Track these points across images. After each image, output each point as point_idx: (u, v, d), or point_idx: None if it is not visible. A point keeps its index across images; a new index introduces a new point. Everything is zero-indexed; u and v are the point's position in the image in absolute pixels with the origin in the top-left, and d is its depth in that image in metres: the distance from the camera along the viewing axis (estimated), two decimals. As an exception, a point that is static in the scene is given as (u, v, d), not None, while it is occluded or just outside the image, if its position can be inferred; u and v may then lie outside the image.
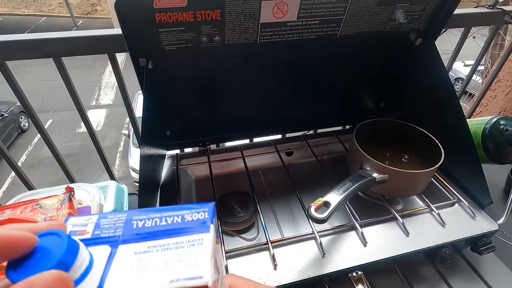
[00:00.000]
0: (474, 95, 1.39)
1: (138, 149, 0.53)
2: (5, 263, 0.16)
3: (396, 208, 0.65)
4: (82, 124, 0.81)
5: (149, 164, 0.60)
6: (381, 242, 0.56)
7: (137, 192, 0.79)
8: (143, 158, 0.52)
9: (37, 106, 5.50)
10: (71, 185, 0.62)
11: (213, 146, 0.81)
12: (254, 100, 0.74)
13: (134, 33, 0.51)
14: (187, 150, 0.82)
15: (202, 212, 0.21)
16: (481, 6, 0.92)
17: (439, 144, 0.63)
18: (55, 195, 0.58)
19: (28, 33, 0.63)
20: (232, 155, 0.79)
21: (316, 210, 0.48)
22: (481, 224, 0.59)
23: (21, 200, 0.60)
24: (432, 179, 0.69)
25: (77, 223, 0.21)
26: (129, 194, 0.79)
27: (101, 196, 0.65)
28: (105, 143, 4.84)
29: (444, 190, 0.68)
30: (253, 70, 0.66)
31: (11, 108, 4.66)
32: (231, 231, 0.65)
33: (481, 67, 2.51)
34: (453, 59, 0.99)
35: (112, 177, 0.92)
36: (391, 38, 0.67)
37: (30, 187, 0.83)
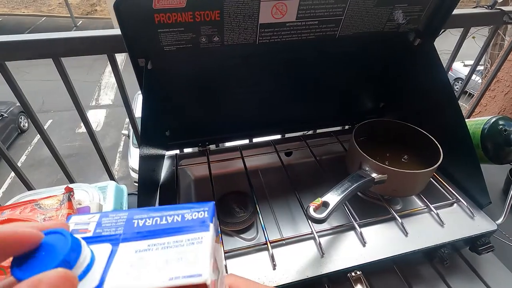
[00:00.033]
0: (474, 95, 1.39)
1: (138, 150, 0.53)
2: (5, 263, 0.16)
3: (395, 208, 0.65)
4: (82, 124, 0.81)
5: (149, 164, 0.60)
6: (380, 242, 0.56)
7: (136, 193, 0.79)
8: (143, 158, 0.53)
9: (37, 106, 5.50)
10: (70, 186, 0.63)
11: (212, 146, 0.81)
12: (254, 101, 0.74)
13: (133, 34, 0.52)
14: (187, 150, 0.82)
15: (202, 212, 0.21)
16: (480, 7, 0.92)
17: (438, 145, 0.63)
18: (54, 196, 0.58)
19: (27, 33, 0.63)
20: (231, 155, 0.79)
21: (315, 210, 0.48)
22: (480, 224, 0.59)
23: (21, 200, 0.60)
24: (431, 179, 0.69)
25: (79, 222, 0.21)
26: (128, 194, 0.79)
27: (100, 197, 0.66)
28: (105, 143, 4.84)
29: (443, 190, 0.68)
30: (252, 70, 0.67)
31: (11, 109, 4.66)
32: (230, 231, 0.65)
33: (481, 67, 2.52)
34: (452, 59, 0.99)
35: (111, 177, 0.92)
36: (390, 39, 0.68)
37: (29, 187, 0.83)
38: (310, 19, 0.58)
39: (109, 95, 6.07)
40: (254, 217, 0.66)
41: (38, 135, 0.78)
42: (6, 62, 0.64)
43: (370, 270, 0.54)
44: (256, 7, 0.53)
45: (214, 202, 0.23)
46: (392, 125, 0.72)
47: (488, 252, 0.58)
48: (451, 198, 0.65)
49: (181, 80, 0.65)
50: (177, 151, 0.80)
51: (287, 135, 0.90)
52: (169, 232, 0.20)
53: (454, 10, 0.65)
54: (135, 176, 3.62)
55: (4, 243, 0.16)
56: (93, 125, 5.02)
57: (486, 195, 0.61)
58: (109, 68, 0.76)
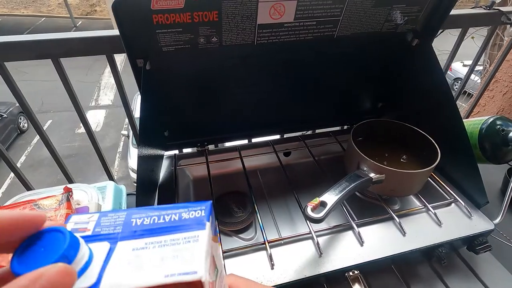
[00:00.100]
0: (473, 95, 1.39)
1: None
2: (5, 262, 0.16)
3: (393, 208, 0.65)
4: (82, 125, 0.81)
5: (147, 165, 0.60)
6: (378, 241, 0.56)
7: (135, 193, 0.79)
8: (141, 159, 0.53)
9: (37, 107, 5.50)
10: (69, 186, 0.63)
11: (211, 147, 0.81)
12: (252, 101, 0.75)
13: (131, 34, 0.52)
14: (185, 150, 0.82)
15: (199, 210, 0.21)
16: (478, 7, 0.92)
17: (436, 145, 0.64)
18: (53, 196, 0.58)
19: (27, 33, 0.64)
20: (230, 156, 0.79)
21: (312, 210, 0.48)
22: (478, 224, 0.60)
23: (20, 201, 0.61)
24: (429, 179, 0.69)
25: (79, 221, 0.21)
26: (127, 194, 0.79)
27: (99, 197, 0.66)
28: (105, 143, 4.84)
29: (440, 190, 0.68)
30: (251, 70, 0.67)
31: (10, 109, 4.66)
32: (228, 231, 0.65)
33: (480, 67, 2.52)
34: (451, 59, 1.00)
35: (110, 177, 0.92)
36: (388, 39, 0.68)
37: (28, 188, 0.83)
38: (308, 20, 0.58)
39: (108, 95, 6.07)
40: (253, 217, 0.67)
41: (38, 135, 0.78)
42: (5, 63, 0.64)
43: (368, 269, 0.54)
44: (254, 8, 0.53)
45: (212, 201, 0.23)
46: (390, 125, 0.73)
47: (486, 251, 0.58)
48: (448, 198, 0.65)
49: (179, 81, 0.65)
50: (176, 151, 0.80)
51: (285, 135, 0.90)
52: (166, 230, 0.20)
53: (452, 10, 0.65)
54: (134, 176, 3.62)
55: (14, 225, 0.17)
56: (93, 126, 5.02)
57: (484, 195, 0.61)
58: (108, 69, 0.77)
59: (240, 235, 0.65)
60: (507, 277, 0.58)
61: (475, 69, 1.05)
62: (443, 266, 0.58)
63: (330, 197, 0.51)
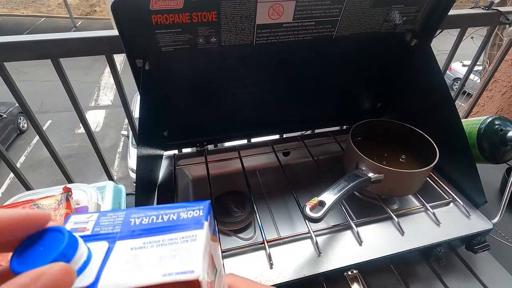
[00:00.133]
0: (472, 95, 1.39)
1: (136, 150, 0.53)
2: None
3: (391, 208, 0.66)
4: (81, 125, 0.81)
5: (146, 164, 0.60)
6: (376, 241, 0.57)
7: (134, 193, 0.79)
8: (140, 159, 0.53)
9: (36, 107, 5.50)
10: (69, 185, 0.63)
11: (210, 147, 0.81)
12: (251, 101, 0.75)
13: (130, 34, 0.52)
14: (185, 150, 0.82)
15: (197, 210, 0.21)
16: (477, 7, 0.92)
17: (434, 144, 0.64)
18: (52, 196, 0.58)
19: (27, 34, 0.64)
20: (229, 156, 0.79)
21: (311, 209, 0.49)
22: (476, 223, 0.60)
23: (19, 200, 0.61)
24: (427, 178, 0.69)
25: (78, 221, 0.21)
26: (127, 194, 0.79)
27: (98, 196, 0.66)
28: (104, 143, 4.84)
29: (439, 190, 0.68)
30: (250, 71, 0.67)
31: (10, 109, 4.66)
32: (228, 231, 0.65)
33: (480, 67, 2.52)
34: (450, 59, 1.00)
35: (110, 177, 0.92)
36: (386, 39, 0.68)
37: (28, 188, 0.84)
38: (306, 20, 0.58)
39: (108, 95, 6.07)
40: (252, 216, 0.67)
41: (37, 136, 0.79)
42: (5, 63, 0.65)
43: (367, 269, 0.54)
44: (253, 8, 0.53)
45: (210, 200, 0.23)
46: (389, 125, 0.73)
47: (484, 251, 0.58)
48: (447, 198, 0.65)
49: (179, 81, 0.65)
50: (175, 151, 0.80)
51: (285, 135, 0.90)
52: (164, 230, 0.20)
53: (451, 10, 0.65)
54: (134, 176, 3.60)
55: (19, 224, 0.17)
56: (93, 126, 5.02)
57: (482, 195, 0.62)
58: (108, 69, 0.77)
59: (239, 235, 0.65)
60: (505, 276, 0.58)
61: (475, 69, 1.05)
62: (442, 266, 0.58)
63: (329, 197, 0.51)
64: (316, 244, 0.55)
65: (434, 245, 0.56)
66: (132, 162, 3.65)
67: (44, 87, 5.84)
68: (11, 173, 0.82)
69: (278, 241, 0.56)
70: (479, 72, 2.74)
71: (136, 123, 0.70)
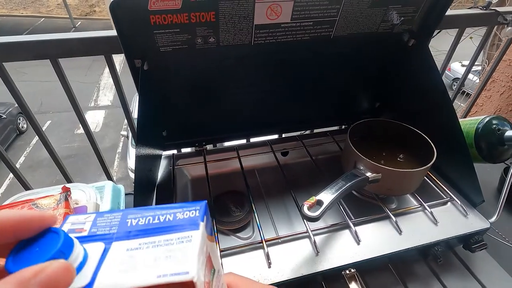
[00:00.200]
0: (471, 95, 1.39)
1: (135, 150, 0.54)
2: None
3: (390, 207, 0.66)
4: (81, 125, 0.82)
5: (145, 164, 0.60)
6: (374, 240, 0.57)
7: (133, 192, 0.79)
8: (139, 158, 0.53)
9: (36, 107, 5.50)
10: (68, 185, 0.63)
11: (209, 146, 0.82)
12: (250, 101, 0.75)
13: (129, 35, 0.52)
14: (184, 150, 0.82)
15: (194, 210, 0.21)
16: (475, 7, 0.93)
17: (432, 144, 0.64)
18: (51, 195, 0.58)
19: (26, 34, 0.64)
20: (228, 155, 0.79)
21: (309, 208, 0.49)
22: (473, 222, 0.60)
23: (18, 200, 0.61)
24: (425, 178, 0.70)
25: (76, 222, 0.21)
26: (126, 194, 0.79)
27: (97, 196, 0.66)
28: (104, 144, 4.83)
29: (437, 189, 0.68)
30: (248, 71, 0.67)
31: (10, 109, 4.66)
32: (226, 230, 0.65)
33: (479, 67, 2.52)
34: (448, 59, 1.00)
35: (109, 177, 0.92)
36: (384, 39, 0.68)
37: (27, 188, 0.84)
38: (304, 20, 0.59)
39: (108, 96, 6.07)
40: (250, 216, 0.67)
41: (37, 136, 0.79)
42: (4, 63, 0.65)
43: (365, 268, 0.54)
44: (251, 8, 0.54)
45: (207, 201, 0.23)
46: (387, 125, 0.73)
47: (481, 249, 0.58)
48: (445, 197, 0.66)
49: (177, 81, 0.65)
50: (174, 151, 0.81)
51: (283, 135, 0.90)
52: (160, 231, 0.20)
53: (449, 11, 0.65)
54: (134, 176, 3.62)
55: (26, 224, 0.17)
56: (92, 126, 5.02)
57: (480, 194, 0.62)
58: (108, 69, 0.77)
59: (237, 234, 0.66)
60: (502, 275, 0.59)
61: (475, 69, 1.06)
62: (439, 265, 0.59)
63: (326, 196, 0.51)
64: (314, 243, 0.55)
65: (432, 244, 0.57)
66: (132, 163, 3.65)
67: (43, 87, 5.84)
68: (11, 174, 0.82)
69: (276, 241, 0.57)
70: (478, 72, 2.74)
71: (135, 123, 0.71)
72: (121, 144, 4.90)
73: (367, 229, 0.59)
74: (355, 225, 0.58)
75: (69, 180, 0.89)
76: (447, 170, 0.70)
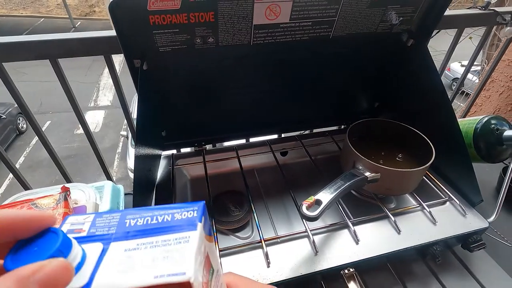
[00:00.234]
0: (470, 95, 1.40)
1: (135, 150, 0.54)
2: None
3: (389, 207, 0.66)
4: (80, 125, 0.82)
5: (144, 164, 0.60)
6: (373, 240, 0.57)
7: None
8: (138, 158, 0.53)
9: (35, 107, 5.50)
10: (67, 185, 0.63)
11: (208, 146, 0.82)
12: (249, 101, 0.75)
13: (128, 35, 0.52)
14: (183, 150, 0.83)
15: (192, 211, 0.21)
16: (474, 7, 0.93)
17: (431, 144, 0.64)
18: (51, 195, 0.58)
19: (26, 34, 0.64)
20: (227, 155, 0.79)
21: (307, 208, 0.49)
22: (472, 222, 0.60)
23: (17, 200, 0.61)
24: (424, 178, 0.70)
25: (75, 222, 0.21)
26: (125, 194, 0.79)
27: (96, 196, 0.66)
28: (104, 144, 4.83)
29: (436, 189, 0.68)
30: (247, 71, 0.67)
31: (9, 110, 4.65)
32: (225, 230, 0.66)
33: (478, 67, 2.53)
34: (447, 59, 1.00)
35: (108, 177, 0.92)
36: (383, 39, 0.68)
37: (27, 188, 0.84)
38: (303, 20, 0.59)
39: (107, 96, 6.07)
40: (249, 216, 0.67)
41: (37, 136, 0.79)
42: (4, 63, 0.65)
43: (364, 267, 0.54)
44: (250, 9, 0.54)
45: (205, 201, 0.23)
46: (386, 124, 0.73)
47: (480, 249, 0.59)
48: (443, 197, 0.66)
49: (176, 81, 0.65)
50: (174, 151, 0.81)
51: (283, 135, 0.91)
52: (158, 231, 0.20)
53: (448, 11, 0.66)
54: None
55: (31, 223, 0.17)
56: (92, 126, 5.01)
57: (478, 194, 0.62)
58: (107, 69, 0.77)
59: (237, 234, 0.66)
60: (501, 274, 0.59)
61: (474, 69, 1.06)
62: (438, 264, 0.59)
63: (325, 196, 0.51)
64: (313, 243, 0.55)
65: (431, 244, 0.57)
66: (132, 163, 3.63)
67: (43, 87, 5.84)
68: (10, 174, 0.83)
69: (276, 240, 0.57)
70: (477, 72, 2.74)
71: (135, 123, 0.71)
72: (120, 144, 4.90)
73: (366, 228, 0.59)
74: (354, 224, 0.59)
75: (68, 180, 0.89)
76: (446, 170, 0.70)
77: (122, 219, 0.21)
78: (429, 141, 0.65)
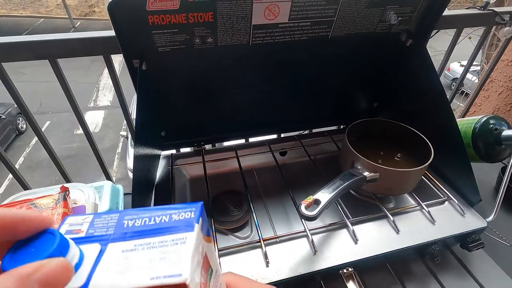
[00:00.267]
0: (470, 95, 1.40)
1: (134, 150, 0.54)
2: None
3: (387, 207, 0.66)
4: (79, 125, 0.82)
5: (143, 164, 0.60)
6: (372, 239, 0.57)
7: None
8: (137, 158, 0.53)
9: (35, 108, 5.50)
10: (66, 185, 0.63)
11: (208, 146, 0.82)
12: (248, 101, 0.75)
13: (127, 35, 0.52)
14: (183, 150, 0.83)
15: (189, 212, 0.21)
16: (473, 7, 0.93)
17: (429, 144, 0.64)
18: (50, 195, 0.58)
19: (26, 34, 0.64)
20: (227, 155, 0.79)
21: (306, 207, 0.49)
22: (470, 222, 0.60)
23: (16, 200, 0.61)
24: (423, 177, 0.70)
25: (73, 223, 0.21)
26: (124, 194, 0.79)
27: (96, 196, 0.66)
28: (103, 144, 4.83)
29: (434, 189, 0.69)
30: (246, 71, 0.67)
31: (9, 110, 4.65)
32: (224, 230, 0.66)
33: (478, 68, 2.53)
34: (446, 59, 1.00)
35: (108, 177, 0.92)
36: (382, 40, 0.68)
37: (26, 188, 0.84)
38: (302, 20, 0.59)
39: (107, 96, 6.06)
40: (249, 215, 0.67)
41: (36, 136, 0.79)
42: (3, 63, 0.65)
43: (362, 267, 0.55)
44: (249, 9, 0.54)
45: (203, 202, 0.23)
46: (385, 124, 0.73)
47: (478, 249, 0.59)
48: (442, 196, 0.66)
49: (175, 81, 0.66)
50: (173, 151, 0.81)
51: (282, 135, 0.91)
52: (155, 232, 0.20)
53: (447, 11, 0.66)
54: (133, 177, 3.61)
55: (28, 223, 0.17)
56: (91, 127, 5.01)
57: (477, 193, 0.62)
58: (107, 70, 0.77)
59: (236, 234, 0.66)
60: (499, 274, 0.59)
61: (474, 69, 1.06)
62: (437, 264, 0.59)
63: (324, 195, 0.51)
64: (312, 243, 0.55)
65: (429, 243, 0.57)
66: (131, 163, 3.63)
67: (43, 87, 5.84)
68: (10, 174, 0.83)
69: (275, 240, 0.57)
70: (477, 72, 2.75)
71: (134, 123, 0.71)
72: (120, 144, 4.90)
73: (365, 228, 0.59)
74: (353, 224, 0.59)
75: (68, 181, 0.89)
76: (445, 169, 0.70)
77: (120, 220, 0.21)
78: (427, 141, 0.65)
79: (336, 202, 0.63)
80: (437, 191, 0.68)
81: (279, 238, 0.57)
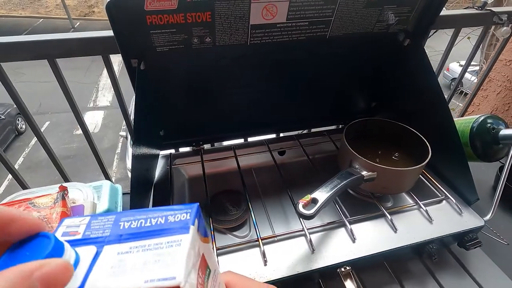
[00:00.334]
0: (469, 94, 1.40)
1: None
2: None
3: (385, 206, 0.66)
4: (79, 125, 0.82)
5: (142, 164, 0.61)
6: (369, 238, 0.57)
7: (131, 192, 0.79)
8: (136, 158, 0.53)
9: (35, 108, 5.49)
10: (65, 184, 0.63)
11: (206, 146, 0.82)
12: (247, 100, 0.75)
13: (126, 35, 0.52)
14: (182, 149, 0.83)
15: (185, 214, 0.21)
16: (471, 7, 0.93)
17: (427, 143, 0.65)
18: (48, 194, 0.59)
19: (25, 35, 0.64)
20: (225, 155, 0.80)
21: (304, 206, 0.49)
22: (468, 220, 0.61)
23: (15, 199, 0.61)
24: (420, 176, 0.70)
25: (71, 225, 0.21)
26: (123, 193, 0.79)
27: (94, 195, 0.66)
28: (103, 144, 4.83)
29: (432, 188, 0.69)
30: (244, 70, 0.68)
31: (8, 110, 4.65)
32: (223, 229, 0.66)
33: (477, 67, 2.53)
34: (444, 59, 1.01)
35: (107, 177, 0.92)
36: (380, 39, 0.69)
37: (24, 187, 0.84)
38: (300, 20, 0.59)
39: (107, 96, 6.06)
40: (247, 215, 0.67)
41: (36, 137, 0.79)
42: (2, 64, 0.65)
43: (360, 265, 0.55)
44: (246, 9, 0.54)
45: (199, 203, 0.23)
46: (383, 124, 0.74)
47: (476, 247, 0.59)
48: (440, 195, 0.66)
49: (174, 80, 0.66)
50: (172, 151, 0.81)
51: (280, 135, 0.91)
52: (151, 234, 0.20)
53: (445, 11, 0.66)
54: (133, 177, 3.61)
55: (22, 222, 0.17)
56: (91, 127, 5.00)
57: (474, 192, 0.62)
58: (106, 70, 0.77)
59: (234, 233, 0.66)
60: (496, 272, 0.59)
61: (473, 69, 1.06)
62: (434, 262, 0.59)
63: (321, 194, 0.52)
64: (310, 242, 0.55)
65: (427, 242, 0.57)
66: (131, 163, 3.64)
67: (42, 88, 5.83)
68: (9, 175, 0.83)
69: (273, 239, 0.57)
70: (476, 72, 2.75)
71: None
72: (120, 145, 4.90)
73: (363, 227, 0.59)
74: (350, 223, 0.59)
75: (67, 181, 0.89)
76: (442, 168, 0.71)
77: (116, 222, 0.21)
78: (425, 140, 0.65)
79: (334, 201, 0.63)
80: (434, 190, 0.68)
81: (277, 237, 0.57)
